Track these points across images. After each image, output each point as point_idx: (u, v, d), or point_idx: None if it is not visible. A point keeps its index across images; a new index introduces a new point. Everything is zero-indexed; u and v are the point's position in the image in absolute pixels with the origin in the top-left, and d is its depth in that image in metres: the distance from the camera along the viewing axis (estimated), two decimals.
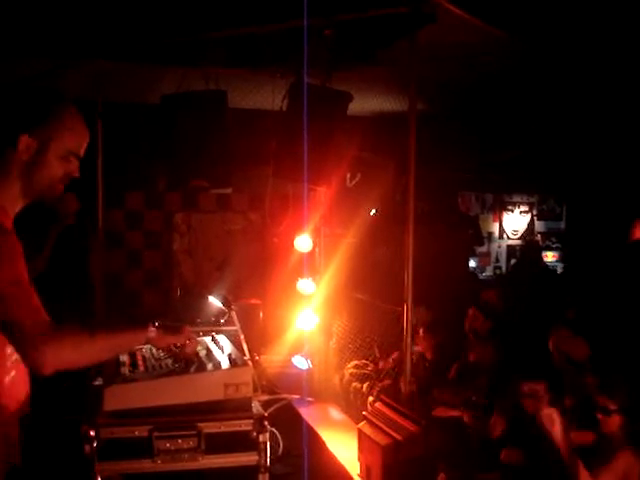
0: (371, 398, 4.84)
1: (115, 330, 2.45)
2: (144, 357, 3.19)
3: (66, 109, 2.31)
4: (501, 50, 4.33)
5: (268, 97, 4.93)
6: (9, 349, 2.27)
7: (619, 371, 3.77)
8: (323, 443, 4.38)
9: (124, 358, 3.18)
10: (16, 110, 2.26)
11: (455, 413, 4.28)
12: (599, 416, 3.46)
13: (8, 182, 2.23)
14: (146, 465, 2.79)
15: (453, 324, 5.57)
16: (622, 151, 6.80)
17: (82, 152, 2.37)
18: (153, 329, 2.53)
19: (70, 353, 2.20)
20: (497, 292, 6.31)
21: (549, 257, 10.60)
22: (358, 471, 4.05)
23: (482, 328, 5.18)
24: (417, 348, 5.14)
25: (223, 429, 2.85)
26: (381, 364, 5.14)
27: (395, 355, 5.04)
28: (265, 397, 3.32)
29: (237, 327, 3.57)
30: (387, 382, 4.97)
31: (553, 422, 3.37)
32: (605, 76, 4.89)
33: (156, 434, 2.78)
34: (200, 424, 2.83)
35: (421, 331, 5.22)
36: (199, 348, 3.27)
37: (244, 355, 3.25)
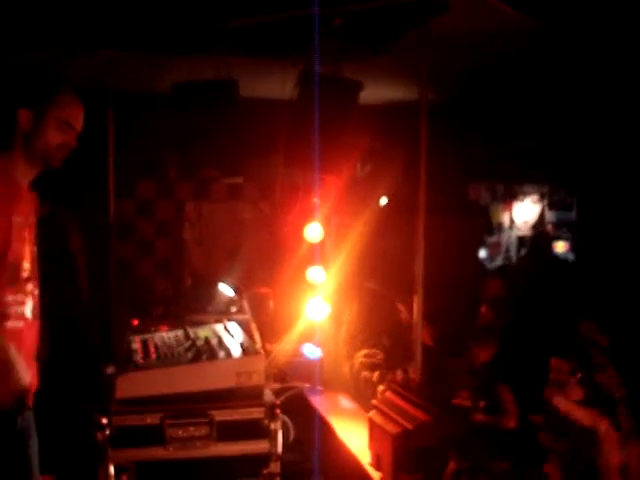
0: (381, 387, 4.84)
1: None
2: (156, 345, 3.21)
3: (60, 87, 2.72)
4: (514, 39, 4.29)
5: (279, 86, 4.91)
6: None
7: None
8: (334, 432, 4.39)
9: (136, 346, 3.21)
10: (15, 90, 2.69)
11: (469, 403, 4.28)
12: None
13: (15, 155, 2.64)
14: (158, 452, 2.82)
15: (459, 314, 5.54)
16: (634, 142, 6.75)
17: (78, 124, 2.74)
18: None
19: None
20: (501, 282, 6.28)
21: (560, 247, 10.55)
22: (369, 460, 4.06)
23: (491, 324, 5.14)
24: None
25: (235, 417, 2.87)
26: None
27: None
28: (276, 385, 3.33)
29: (248, 315, 3.58)
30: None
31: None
32: (621, 66, 4.85)
33: (168, 422, 2.81)
34: (212, 412, 2.85)
35: None
36: (211, 336, 3.29)
37: (256, 343, 3.26)
